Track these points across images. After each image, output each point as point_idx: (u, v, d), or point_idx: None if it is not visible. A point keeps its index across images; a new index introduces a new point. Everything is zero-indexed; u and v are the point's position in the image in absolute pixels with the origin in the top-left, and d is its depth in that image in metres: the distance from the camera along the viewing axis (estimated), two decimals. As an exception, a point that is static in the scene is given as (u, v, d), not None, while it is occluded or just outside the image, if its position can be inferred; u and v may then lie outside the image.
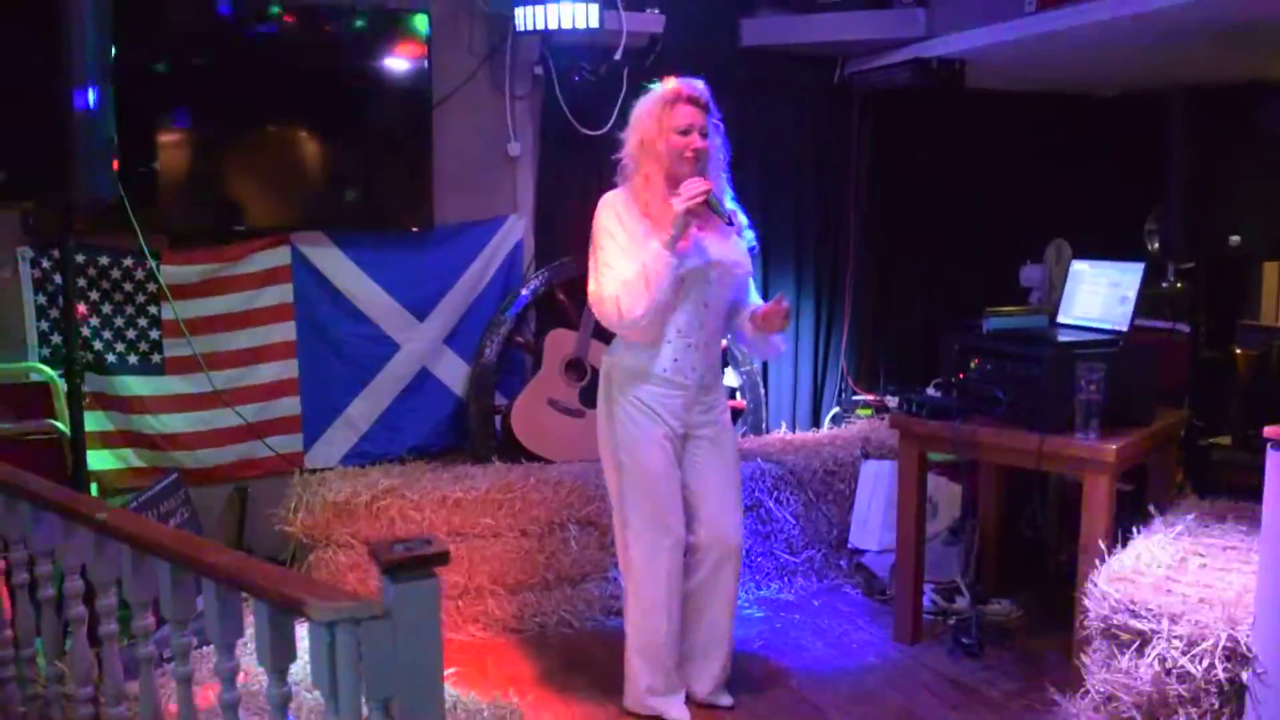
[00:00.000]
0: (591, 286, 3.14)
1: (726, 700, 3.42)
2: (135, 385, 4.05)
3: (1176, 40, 3.72)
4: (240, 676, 2.66)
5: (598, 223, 3.16)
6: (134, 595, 2.22)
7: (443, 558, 1.78)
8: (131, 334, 4.06)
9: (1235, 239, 3.81)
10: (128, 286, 4.03)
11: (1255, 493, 3.70)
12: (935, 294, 5.10)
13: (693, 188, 3.03)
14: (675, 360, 3.14)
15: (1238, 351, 4.34)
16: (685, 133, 3.09)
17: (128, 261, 4.01)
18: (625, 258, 3.05)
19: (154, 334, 4.09)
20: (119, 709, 2.39)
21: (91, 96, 3.04)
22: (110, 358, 4.00)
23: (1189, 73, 4.14)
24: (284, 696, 1.92)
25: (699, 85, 3.16)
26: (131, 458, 4.08)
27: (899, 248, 5.09)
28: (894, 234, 5.10)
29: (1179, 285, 4.75)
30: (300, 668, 2.63)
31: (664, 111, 3.12)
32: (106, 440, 4.03)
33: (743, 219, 3.27)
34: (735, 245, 3.23)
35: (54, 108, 2.98)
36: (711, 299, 3.19)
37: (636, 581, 3.25)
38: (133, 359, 4.06)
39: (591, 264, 3.15)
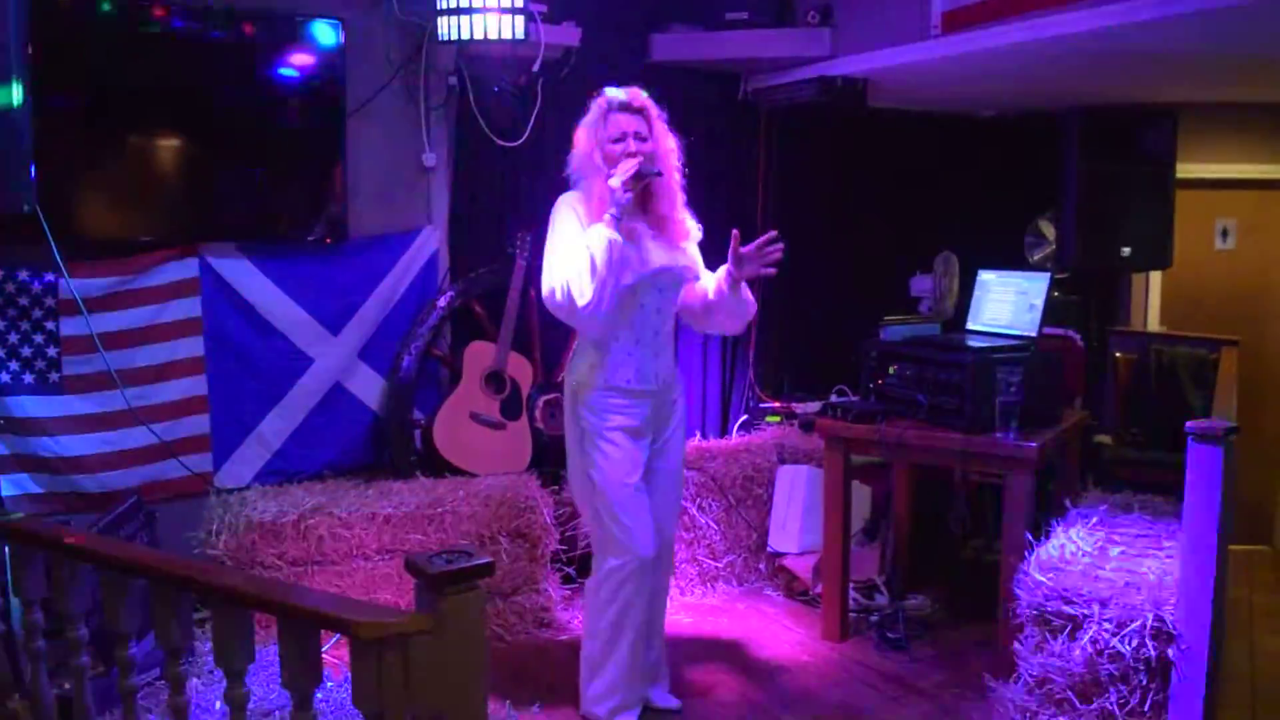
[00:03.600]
0: (544, 278, 3.11)
1: (673, 703, 3.47)
2: (31, 405, 3.81)
3: (1072, 65, 3.98)
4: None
5: (553, 220, 3.16)
6: (121, 625, 2.10)
7: (487, 569, 1.77)
8: (27, 351, 3.81)
9: (1126, 250, 4.10)
10: (23, 301, 3.79)
11: (1145, 486, 4.02)
12: (834, 303, 5.28)
13: (624, 164, 3.07)
14: (638, 370, 3.18)
15: (1117, 355, 4.68)
16: (619, 140, 3.13)
17: (23, 275, 3.77)
18: (577, 249, 3.04)
19: (51, 351, 3.85)
20: (90, 746, 2.27)
21: (17, 97, 2.87)
22: (3, 377, 3.76)
23: (1080, 95, 4.44)
24: (309, 720, 1.86)
25: (632, 91, 3.18)
26: (28, 483, 3.82)
27: (802, 258, 5.23)
28: (798, 245, 5.21)
29: (1055, 294, 5.09)
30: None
31: (598, 124, 3.16)
32: (1, 466, 3.77)
33: (692, 223, 3.33)
34: (684, 251, 3.28)
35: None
36: (664, 305, 3.24)
37: (607, 599, 3.22)
38: (28, 378, 3.82)
39: (545, 260, 3.14)
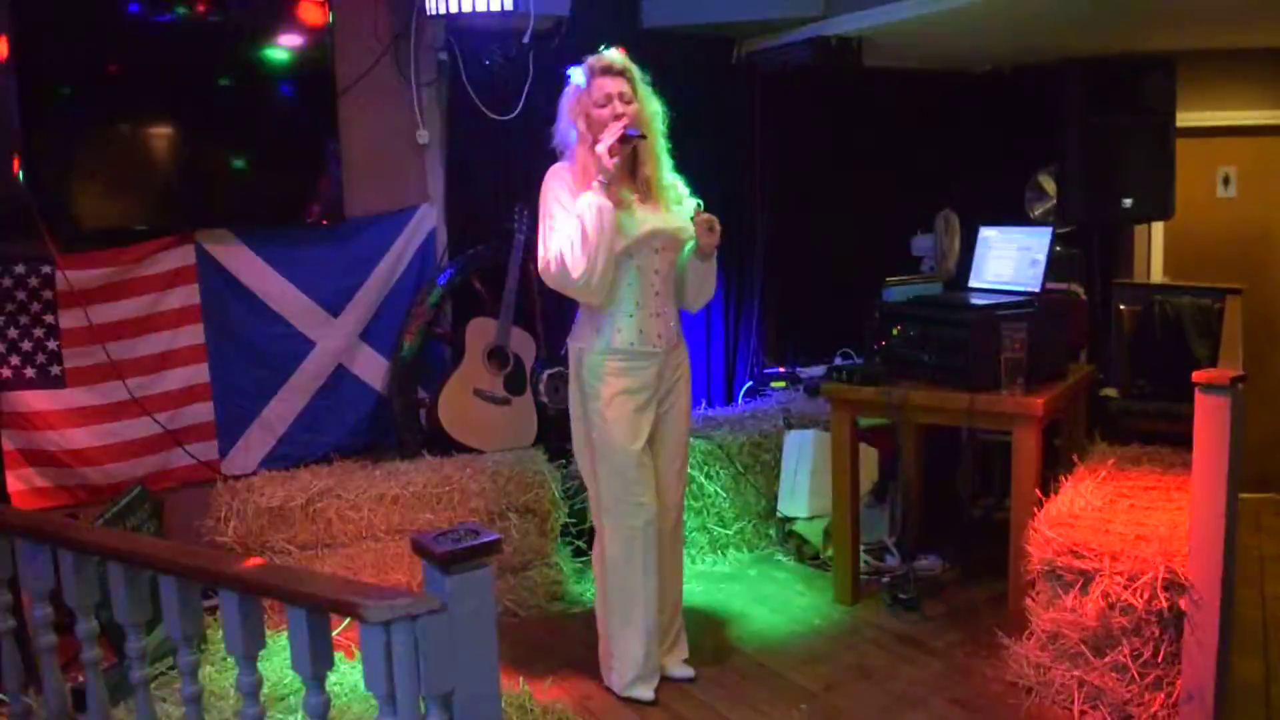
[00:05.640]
0: (540, 252, 3.12)
1: (688, 673, 3.47)
2: (34, 400, 3.80)
3: (1069, 13, 3.92)
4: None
5: (544, 192, 3.16)
6: (127, 616, 2.10)
7: (495, 546, 1.77)
8: (27, 345, 3.80)
9: (1128, 202, 4.06)
10: (20, 295, 3.77)
11: (1153, 438, 4.01)
12: (835, 267, 5.25)
13: (610, 129, 3.06)
14: (641, 332, 3.17)
15: (1121, 308, 4.65)
16: (603, 104, 3.12)
17: (19, 269, 3.75)
18: (569, 219, 3.05)
19: (51, 344, 3.84)
20: (106, 737, 2.27)
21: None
22: (5, 372, 3.75)
23: (1078, 46, 4.38)
24: (323, 704, 1.87)
25: (613, 53, 3.17)
26: (34, 478, 3.81)
27: (801, 223, 5.23)
28: (796, 210, 5.23)
29: (1057, 248, 5.06)
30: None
31: (583, 92, 3.15)
32: (5, 461, 3.76)
33: (685, 189, 3.31)
34: (676, 214, 3.26)
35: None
36: (661, 266, 3.23)
37: (615, 568, 3.24)
38: (30, 372, 3.81)
39: (540, 234, 3.14)
